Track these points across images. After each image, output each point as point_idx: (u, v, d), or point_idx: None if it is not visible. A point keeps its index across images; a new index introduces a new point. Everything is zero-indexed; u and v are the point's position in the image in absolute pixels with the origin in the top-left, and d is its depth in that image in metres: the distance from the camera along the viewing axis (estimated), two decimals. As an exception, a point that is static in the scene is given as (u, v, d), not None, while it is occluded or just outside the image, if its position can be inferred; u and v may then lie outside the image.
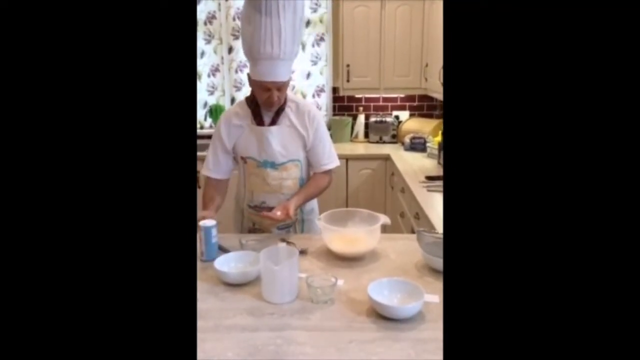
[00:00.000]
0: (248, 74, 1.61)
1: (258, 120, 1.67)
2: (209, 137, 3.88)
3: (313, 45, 3.83)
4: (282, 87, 1.58)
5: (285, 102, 1.66)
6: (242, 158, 1.72)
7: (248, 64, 1.60)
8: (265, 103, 1.60)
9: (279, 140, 1.67)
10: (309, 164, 1.78)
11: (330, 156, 1.76)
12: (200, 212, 1.61)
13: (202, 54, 3.81)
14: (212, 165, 1.74)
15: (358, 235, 1.52)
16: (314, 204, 1.87)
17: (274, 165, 1.69)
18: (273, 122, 1.67)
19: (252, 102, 1.67)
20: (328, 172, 1.78)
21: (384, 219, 1.52)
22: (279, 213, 1.59)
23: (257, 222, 1.79)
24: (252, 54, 1.53)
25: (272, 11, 1.46)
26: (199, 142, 3.17)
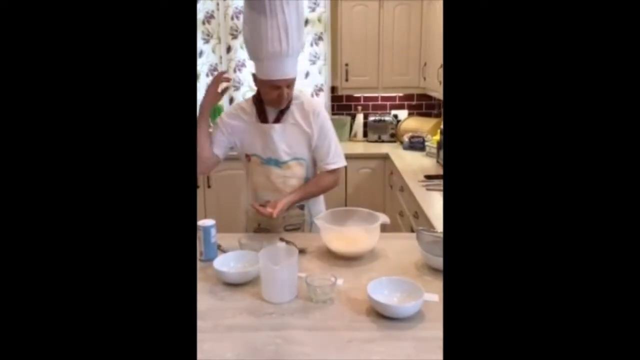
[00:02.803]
0: (253, 74, 1.61)
1: (262, 117, 1.67)
2: (207, 136, 3.87)
3: (311, 45, 3.83)
4: (291, 83, 1.58)
5: (290, 100, 1.66)
6: (247, 155, 1.72)
7: (254, 64, 1.59)
8: (274, 101, 1.60)
9: (283, 138, 1.66)
10: (315, 163, 1.76)
11: (335, 155, 1.73)
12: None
13: (201, 53, 3.80)
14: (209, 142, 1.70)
15: (357, 234, 1.51)
16: (322, 206, 1.85)
17: (277, 163, 1.68)
18: (277, 119, 1.67)
19: (258, 100, 1.67)
20: (333, 172, 1.74)
21: (383, 218, 1.52)
22: (269, 210, 1.58)
23: (262, 222, 1.76)
24: (259, 54, 1.52)
25: (276, 9, 1.46)
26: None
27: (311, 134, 1.67)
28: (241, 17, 3.75)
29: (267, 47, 1.49)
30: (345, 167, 1.82)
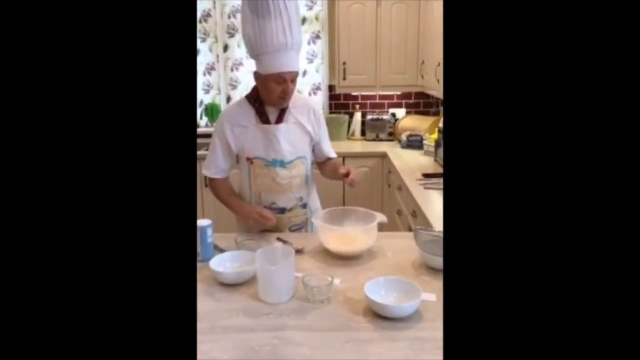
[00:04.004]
0: (255, 72, 1.60)
1: (264, 118, 1.66)
2: (205, 135, 3.88)
3: (309, 43, 3.82)
4: (295, 78, 1.59)
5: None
6: (249, 159, 1.69)
7: (255, 63, 1.59)
8: (278, 97, 1.59)
9: (287, 138, 1.66)
10: (315, 156, 1.82)
11: (331, 146, 1.86)
12: (251, 207, 1.67)
13: (198, 52, 3.79)
14: (213, 166, 1.73)
15: (355, 233, 1.51)
16: (318, 203, 1.88)
17: (283, 164, 1.67)
18: (279, 119, 1.66)
19: (256, 101, 1.66)
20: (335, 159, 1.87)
21: (380, 217, 1.51)
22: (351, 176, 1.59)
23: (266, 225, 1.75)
24: (264, 48, 1.52)
25: (279, 4, 1.49)
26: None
27: (312, 132, 1.72)
28: (238, 15, 3.73)
29: (272, 40, 1.50)
30: (343, 166, 1.86)
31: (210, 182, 1.77)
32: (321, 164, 1.86)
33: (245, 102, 1.68)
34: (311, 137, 1.73)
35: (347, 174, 1.59)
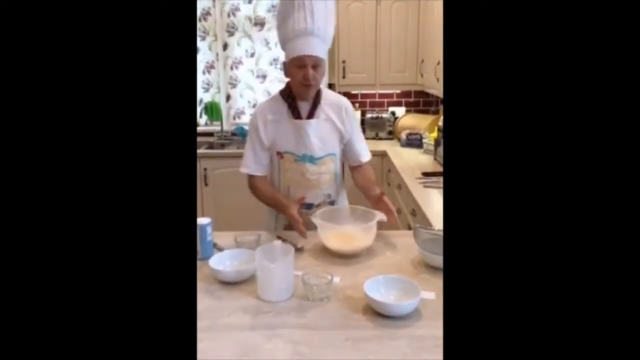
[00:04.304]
0: (284, 63, 1.62)
1: (295, 113, 1.66)
2: (204, 134, 3.88)
3: (308, 42, 3.81)
4: (316, 64, 1.56)
5: (320, 95, 1.67)
6: (279, 153, 1.69)
7: (285, 55, 1.61)
8: (301, 82, 1.57)
9: (317, 133, 1.66)
10: (346, 157, 1.80)
11: (366, 148, 1.82)
12: (287, 202, 1.63)
13: (197, 50, 3.78)
14: (253, 163, 1.71)
15: (354, 232, 1.51)
16: (346, 202, 1.87)
17: (312, 160, 1.67)
18: (310, 115, 1.66)
19: (289, 96, 1.66)
20: (368, 163, 1.82)
21: (379, 215, 1.51)
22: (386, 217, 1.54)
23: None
24: (286, 35, 1.54)
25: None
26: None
27: (343, 130, 1.71)
28: (238, 14, 3.75)
29: (293, 26, 1.52)
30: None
31: (251, 181, 1.74)
32: (354, 169, 1.83)
33: (278, 97, 1.70)
34: (341, 135, 1.72)
35: (384, 206, 1.56)
